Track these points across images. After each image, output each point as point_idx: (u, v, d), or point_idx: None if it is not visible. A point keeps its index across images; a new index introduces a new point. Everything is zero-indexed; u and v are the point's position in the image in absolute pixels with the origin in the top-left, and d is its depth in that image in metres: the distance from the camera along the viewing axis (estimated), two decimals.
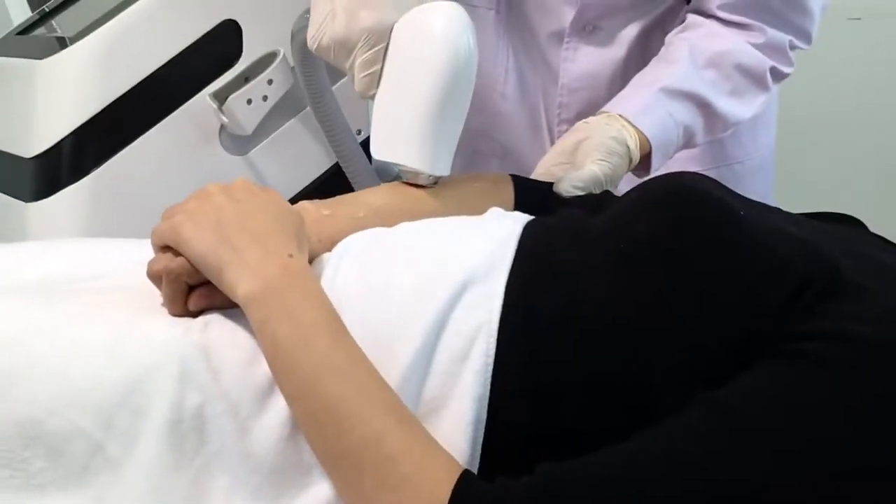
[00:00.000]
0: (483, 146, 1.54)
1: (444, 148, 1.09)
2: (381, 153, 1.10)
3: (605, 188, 1.18)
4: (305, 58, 1.40)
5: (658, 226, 0.89)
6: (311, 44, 1.13)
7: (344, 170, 1.50)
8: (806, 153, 2.39)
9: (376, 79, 1.10)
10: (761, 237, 0.87)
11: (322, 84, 1.44)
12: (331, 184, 1.58)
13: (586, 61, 1.44)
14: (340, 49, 1.11)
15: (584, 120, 1.29)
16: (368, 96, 1.11)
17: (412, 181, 1.09)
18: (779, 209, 0.99)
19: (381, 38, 1.09)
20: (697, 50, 1.34)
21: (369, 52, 1.09)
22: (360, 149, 1.48)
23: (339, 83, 1.52)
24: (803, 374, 0.79)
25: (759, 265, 0.85)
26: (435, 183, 1.10)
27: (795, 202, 1.09)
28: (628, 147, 1.24)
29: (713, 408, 0.79)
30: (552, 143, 1.48)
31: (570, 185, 1.15)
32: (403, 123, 1.08)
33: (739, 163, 1.56)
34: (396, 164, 1.09)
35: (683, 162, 1.44)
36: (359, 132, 1.57)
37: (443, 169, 1.10)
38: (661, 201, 0.92)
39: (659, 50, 1.38)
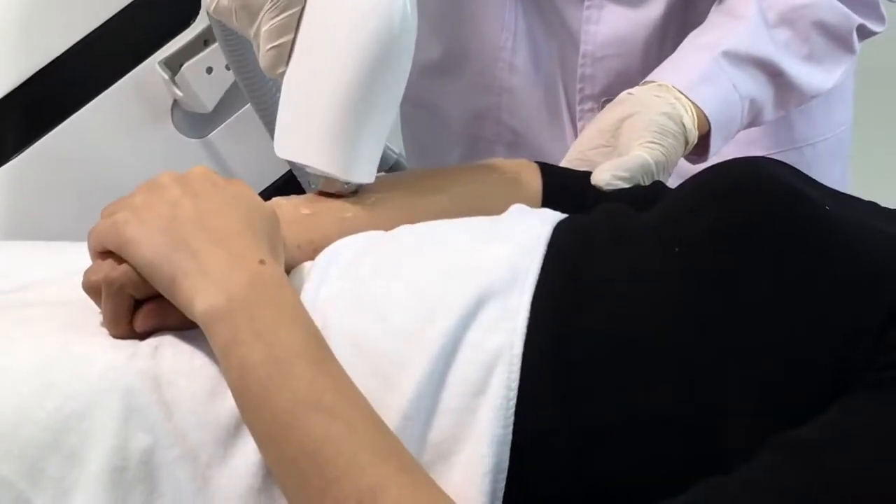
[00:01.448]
0: (487, 131, 1.55)
1: (366, 147, 1.07)
2: (287, 151, 1.08)
3: (656, 178, 1.19)
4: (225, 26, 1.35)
5: (724, 224, 0.90)
6: (208, 4, 1.10)
7: (297, 176, 1.49)
8: (890, 131, 2.39)
9: (286, 53, 1.07)
10: (853, 239, 0.88)
11: (252, 63, 1.38)
12: None
13: (614, 22, 1.45)
14: (243, 12, 1.07)
15: (627, 91, 1.30)
16: (276, 75, 1.08)
17: (325, 189, 1.08)
18: (872, 203, 1.00)
19: (293, 1, 1.06)
20: (767, 3, 1.35)
21: (278, 17, 1.06)
22: None
23: None
24: None
25: (852, 274, 0.86)
26: (355, 192, 1.08)
27: (876, 193, 1.09)
28: (684, 125, 1.25)
29: (793, 450, 0.80)
30: (573, 125, 1.49)
31: (612, 174, 1.15)
32: (315, 113, 1.05)
33: (810, 145, 1.57)
34: (305, 167, 1.08)
35: (740, 145, 1.44)
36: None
37: (363, 174, 1.07)
38: (726, 193, 0.93)
39: (707, 7, 1.39)
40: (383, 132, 1.08)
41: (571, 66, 1.48)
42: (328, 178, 1.07)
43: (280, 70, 1.07)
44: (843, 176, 1.64)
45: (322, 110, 1.05)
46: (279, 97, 1.35)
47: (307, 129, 1.06)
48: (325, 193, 1.08)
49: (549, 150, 1.36)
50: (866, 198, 1.01)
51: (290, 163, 1.43)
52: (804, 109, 1.50)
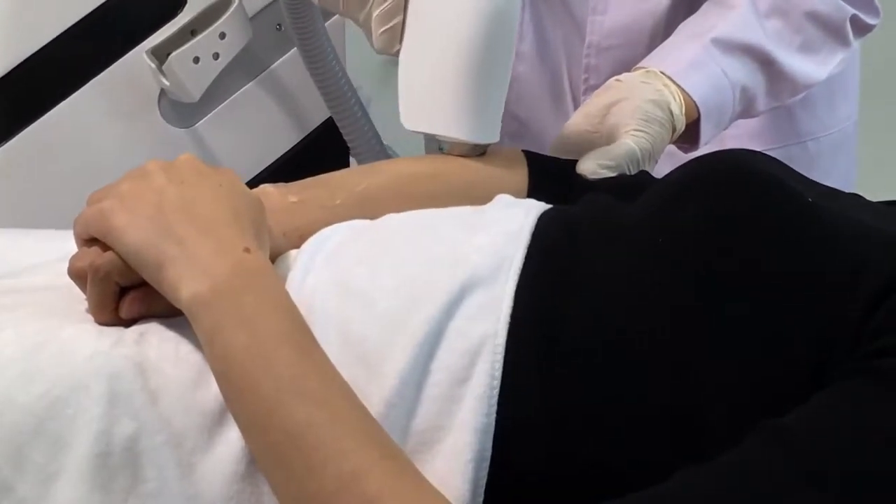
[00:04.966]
0: None
1: (490, 109, 1.12)
2: (416, 123, 1.14)
3: (642, 166, 1.19)
4: None
5: (706, 216, 0.91)
6: None
7: (339, 127, 1.51)
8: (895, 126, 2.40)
9: (398, 33, 1.13)
10: (833, 230, 0.89)
11: (314, 22, 1.46)
12: (299, 164, 1.59)
13: (620, 13, 1.45)
14: (352, 0, 1.13)
15: (615, 77, 1.30)
16: (392, 54, 1.14)
17: (456, 153, 1.13)
18: (856, 195, 1.01)
19: None
20: None
21: (388, 1, 1.12)
22: (361, 104, 1.49)
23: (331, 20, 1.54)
24: (885, 396, 0.80)
25: (832, 266, 0.86)
26: (483, 153, 1.14)
27: (883, 188, 1.10)
28: (671, 112, 1.25)
29: (775, 438, 0.80)
30: None
31: (597, 162, 1.16)
32: (438, 85, 1.11)
33: (813, 139, 1.57)
34: (435, 136, 1.13)
35: (743, 139, 1.45)
36: None
37: (492, 134, 1.13)
38: (708, 185, 0.94)
39: None
40: (503, 91, 1.13)
41: (577, 55, 1.49)
42: (458, 144, 1.12)
43: (395, 49, 1.13)
44: (847, 171, 1.64)
45: (445, 82, 1.10)
46: (335, 60, 1.45)
47: (432, 101, 1.12)
48: (457, 156, 1.13)
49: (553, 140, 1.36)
50: (873, 194, 1.01)
51: (338, 122, 1.52)
52: (807, 104, 1.51)
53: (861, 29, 1.42)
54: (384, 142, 1.55)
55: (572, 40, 1.49)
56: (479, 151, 1.14)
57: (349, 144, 1.53)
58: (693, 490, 0.80)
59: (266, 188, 1.06)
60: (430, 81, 1.11)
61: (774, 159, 1.00)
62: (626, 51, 1.46)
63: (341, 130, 1.52)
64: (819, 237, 0.88)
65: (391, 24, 1.12)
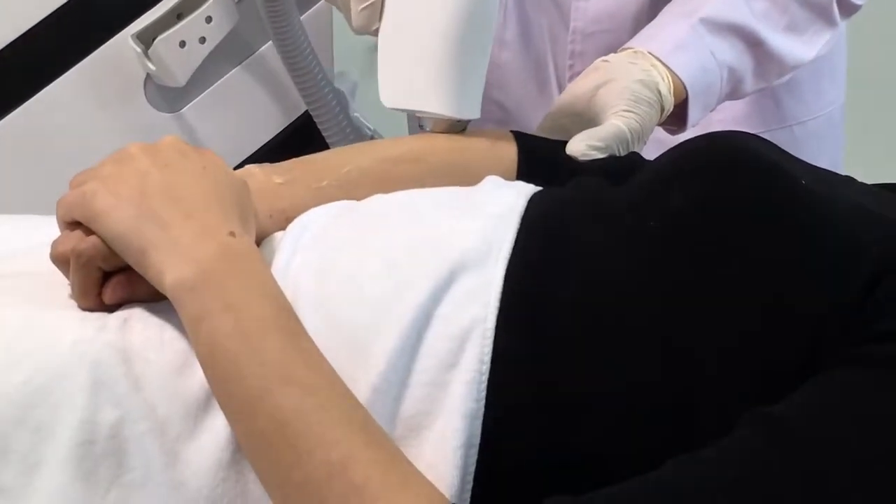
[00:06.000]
0: None
1: (470, 85, 1.12)
2: (395, 101, 1.14)
3: (631, 147, 1.18)
4: None
5: (697, 198, 0.90)
6: None
7: (316, 122, 1.51)
8: (883, 111, 2.40)
9: (378, 10, 1.12)
10: (828, 213, 0.88)
11: (290, 17, 1.45)
12: (286, 149, 1.58)
13: None
14: None
15: (602, 58, 1.29)
16: (371, 32, 1.14)
17: (437, 130, 1.13)
18: (850, 178, 1.00)
19: None
20: None
21: None
22: (338, 98, 1.49)
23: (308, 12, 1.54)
24: (880, 383, 0.79)
25: (826, 249, 0.85)
26: (463, 129, 1.14)
27: (870, 172, 1.09)
28: (659, 93, 1.24)
29: (768, 427, 0.79)
30: None
31: (587, 144, 1.15)
32: (418, 61, 1.11)
33: (800, 123, 1.57)
34: (415, 112, 1.13)
35: (728, 124, 1.45)
36: None
37: (472, 110, 1.13)
38: (701, 167, 0.93)
39: None
40: (484, 68, 1.14)
41: (561, 42, 1.49)
42: (438, 120, 1.13)
43: (374, 27, 1.13)
44: (835, 156, 1.65)
45: (423, 56, 1.11)
46: (308, 49, 1.45)
47: (413, 77, 1.12)
48: (438, 133, 1.14)
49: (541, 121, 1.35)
50: (862, 177, 1.01)
51: (313, 114, 1.54)
52: (793, 88, 1.51)
53: (847, 9, 1.42)
54: (370, 127, 1.55)
55: (556, 27, 1.49)
56: (460, 128, 1.13)
57: (326, 139, 1.53)
58: (683, 479, 0.79)
59: (251, 169, 1.05)
60: (410, 58, 1.11)
61: (768, 142, 0.99)
62: (611, 36, 1.45)
63: (318, 125, 1.52)
64: (812, 222, 0.87)
65: (370, 1, 1.12)
